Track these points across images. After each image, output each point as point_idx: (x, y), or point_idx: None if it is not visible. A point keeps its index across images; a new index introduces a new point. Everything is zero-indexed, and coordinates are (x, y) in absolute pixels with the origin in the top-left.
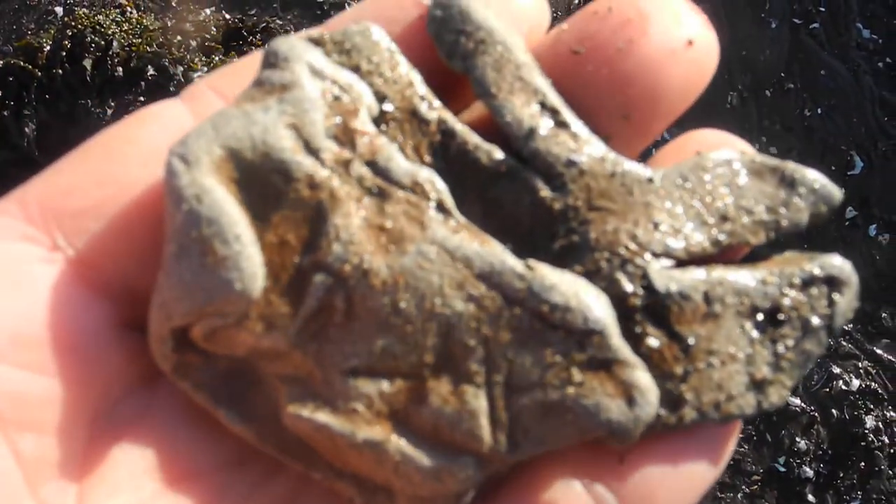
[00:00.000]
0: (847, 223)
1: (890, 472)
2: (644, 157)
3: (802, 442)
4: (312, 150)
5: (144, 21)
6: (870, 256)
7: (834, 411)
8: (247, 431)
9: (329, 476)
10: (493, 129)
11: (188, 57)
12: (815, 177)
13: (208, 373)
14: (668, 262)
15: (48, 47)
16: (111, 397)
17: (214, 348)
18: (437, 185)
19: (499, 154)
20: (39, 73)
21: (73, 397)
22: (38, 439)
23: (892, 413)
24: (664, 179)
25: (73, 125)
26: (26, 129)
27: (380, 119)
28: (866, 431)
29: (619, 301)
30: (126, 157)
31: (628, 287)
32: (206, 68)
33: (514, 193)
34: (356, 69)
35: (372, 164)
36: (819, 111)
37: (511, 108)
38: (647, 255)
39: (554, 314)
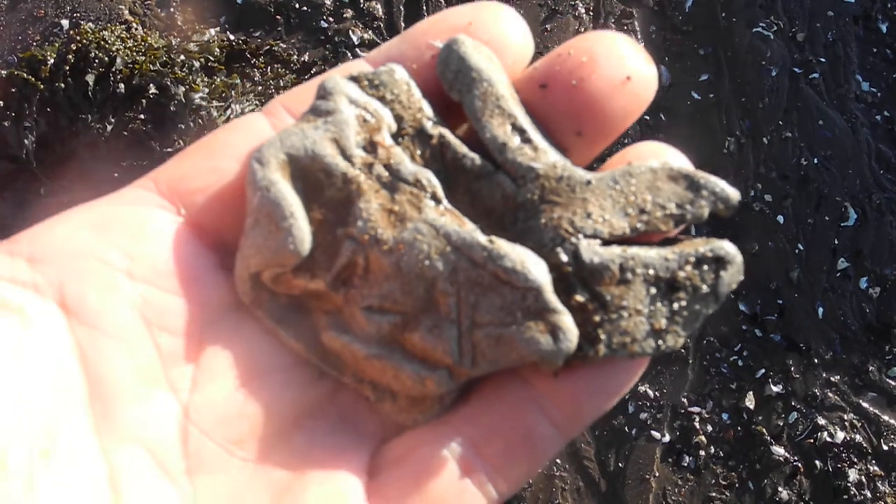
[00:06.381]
0: (838, 274)
1: None
2: (601, 160)
3: (785, 492)
4: (347, 156)
5: (149, 39)
6: (859, 309)
7: (817, 462)
8: (298, 346)
9: (353, 381)
10: (479, 141)
11: (190, 77)
12: (716, 182)
13: (274, 305)
14: (595, 242)
15: (52, 60)
16: (215, 314)
17: (278, 288)
18: (432, 182)
19: (480, 160)
20: (42, 86)
21: (192, 312)
22: (170, 338)
23: (875, 467)
24: (599, 182)
25: (72, 138)
26: (25, 141)
27: (397, 134)
28: (849, 484)
29: (557, 268)
30: (224, 155)
31: (564, 258)
32: (206, 89)
33: (490, 189)
34: (382, 99)
35: (388, 167)
36: (815, 161)
37: (490, 128)
38: (580, 236)
39: (505, 274)
